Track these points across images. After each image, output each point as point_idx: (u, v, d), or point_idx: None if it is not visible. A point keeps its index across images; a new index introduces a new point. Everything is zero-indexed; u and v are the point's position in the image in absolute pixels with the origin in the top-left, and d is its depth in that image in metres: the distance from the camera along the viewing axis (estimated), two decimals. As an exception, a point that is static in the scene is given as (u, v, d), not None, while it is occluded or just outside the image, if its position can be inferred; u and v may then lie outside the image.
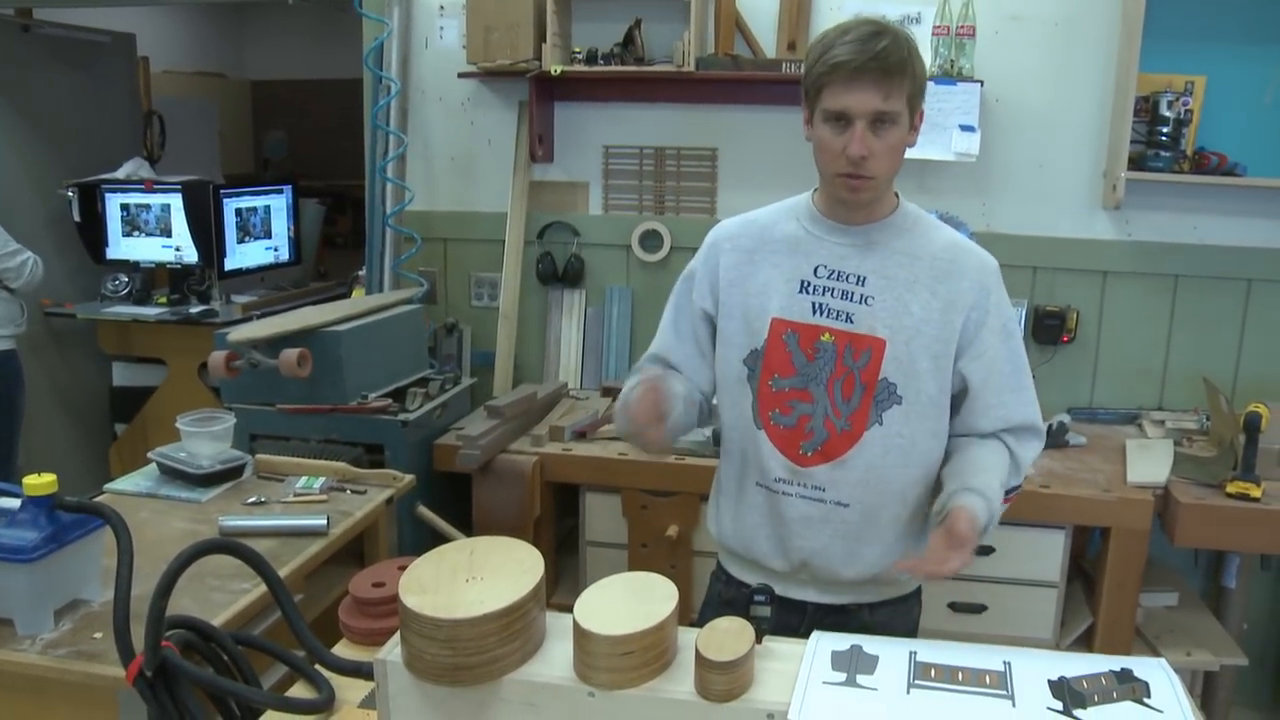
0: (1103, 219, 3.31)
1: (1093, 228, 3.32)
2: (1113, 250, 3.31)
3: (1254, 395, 3.04)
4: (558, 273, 3.63)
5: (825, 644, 1.41)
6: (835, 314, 1.79)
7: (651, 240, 3.55)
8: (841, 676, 1.33)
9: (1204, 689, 3.24)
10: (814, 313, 1.80)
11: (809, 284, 1.81)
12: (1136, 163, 3.14)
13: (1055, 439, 3.04)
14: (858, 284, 1.79)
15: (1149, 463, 2.89)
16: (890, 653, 1.39)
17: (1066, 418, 3.18)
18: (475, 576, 1.38)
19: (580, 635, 1.30)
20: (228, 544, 1.65)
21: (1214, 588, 3.36)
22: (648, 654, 1.30)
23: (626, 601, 1.36)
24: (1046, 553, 2.81)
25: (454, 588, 1.35)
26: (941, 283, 1.79)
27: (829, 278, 1.81)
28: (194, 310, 4.49)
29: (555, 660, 1.35)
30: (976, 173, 3.32)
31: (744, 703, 1.27)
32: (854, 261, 1.80)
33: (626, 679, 1.29)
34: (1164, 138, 3.14)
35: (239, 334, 2.88)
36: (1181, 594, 3.14)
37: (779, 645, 1.40)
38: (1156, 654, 2.83)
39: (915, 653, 1.39)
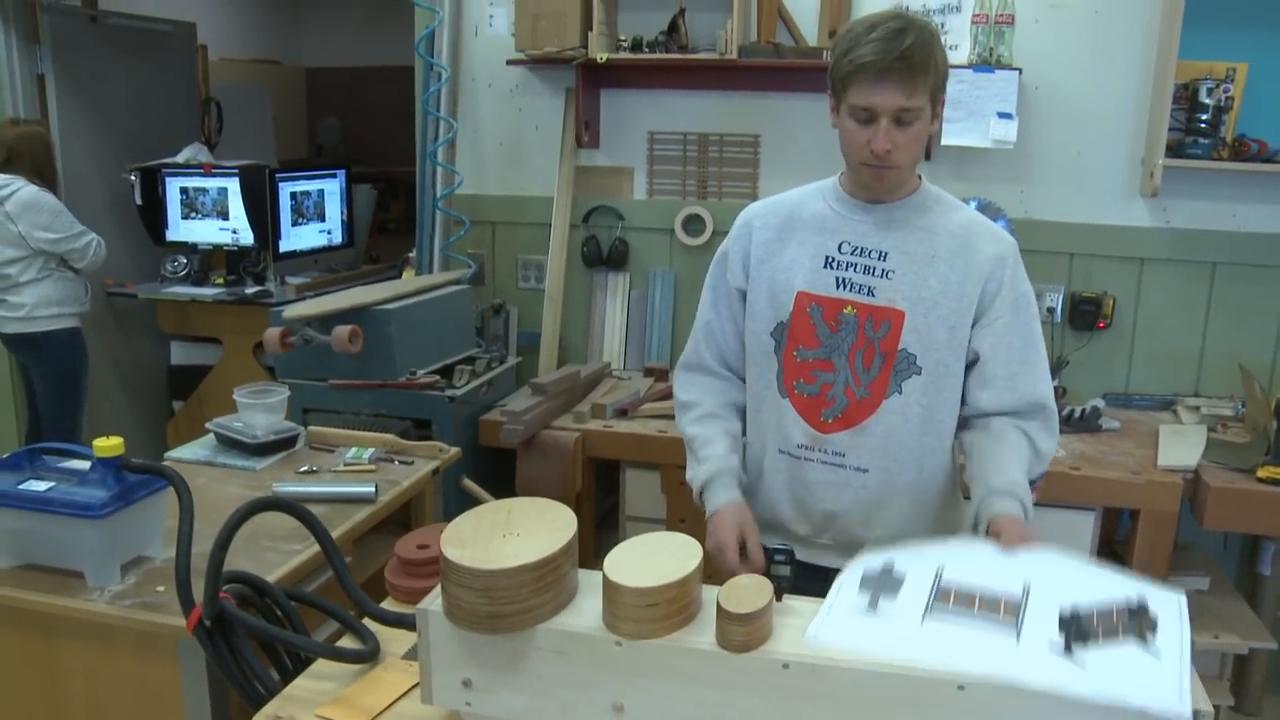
0: (1140, 206, 3.33)
1: (1130, 215, 3.34)
2: (1150, 237, 3.33)
3: (1291, 382, 3.07)
4: (602, 256, 3.71)
5: (860, 564, 1.52)
6: (858, 288, 1.87)
7: (694, 224, 3.62)
8: (865, 600, 1.42)
9: (1235, 674, 3.27)
10: (838, 287, 1.88)
11: (833, 259, 1.89)
12: (1175, 150, 3.16)
13: (1089, 423, 3.08)
14: (879, 259, 1.87)
15: (1180, 447, 2.92)
16: (918, 572, 1.49)
17: (1101, 402, 3.21)
18: (512, 533, 1.47)
19: (609, 588, 1.38)
20: (282, 502, 1.75)
21: (1249, 574, 3.38)
22: (671, 606, 1.38)
23: (653, 558, 1.44)
24: (1077, 534, 2.85)
25: (491, 542, 1.44)
26: (959, 257, 1.86)
27: (852, 253, 1.89)
28: (249, 291, 4.63)
29: (585, 612, 1.43)
30: (1015, 160, 3.36)
31: (761, 653, 1.34)
32: (876, 238, 1.88)
33: (651, 629, 1.37)
34: (1203, 125, 3.15)
35: (294, 311, 2.99)
36: (1214, 578, 3.17)
37: (797, 603, 1.47)
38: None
39: (942, 572, 1.48)
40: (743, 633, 1.34)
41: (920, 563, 1.51)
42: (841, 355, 1.88)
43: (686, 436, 2.07)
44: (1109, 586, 1.46)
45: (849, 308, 1.87)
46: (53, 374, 4.31)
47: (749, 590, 1.38)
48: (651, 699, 1.39)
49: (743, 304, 2.01)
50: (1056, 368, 3.31)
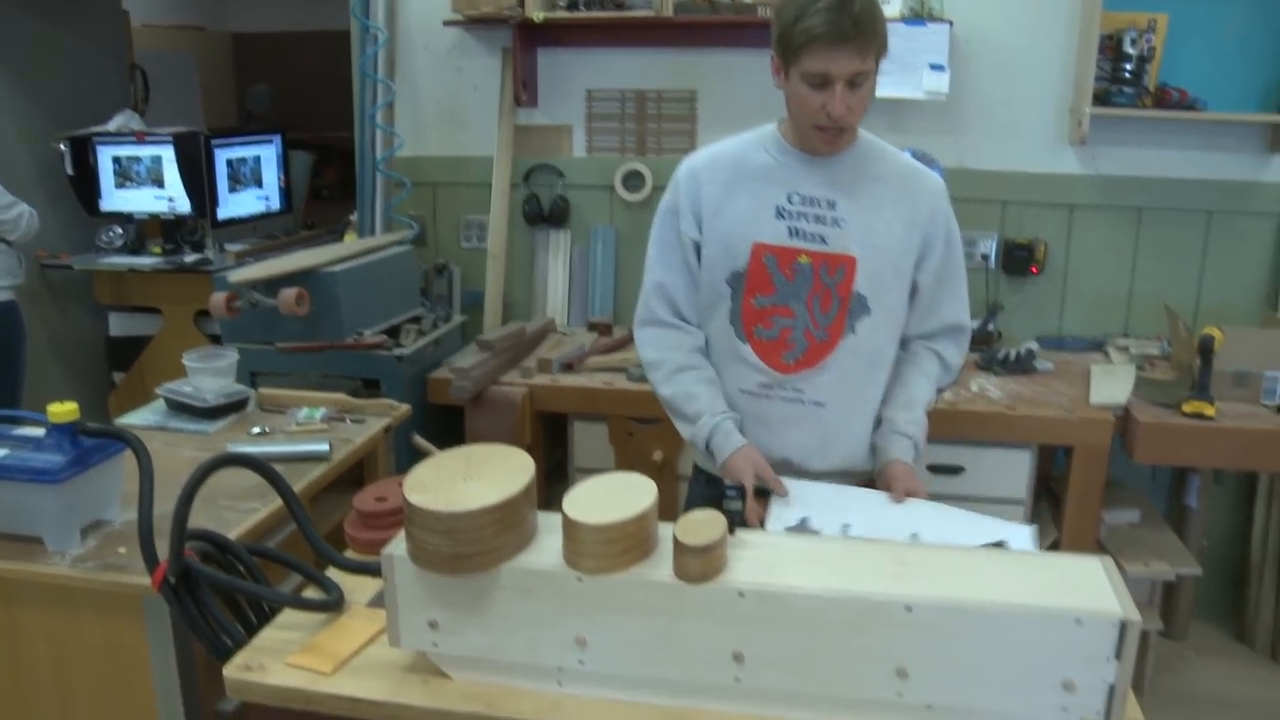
0: (1069, 154, 3.43)
1: (1060, 163, 3.44)
2: (1079, 184, 3.43)
3: (1214, 322, 3.18)
4: (544, 213, 3.74)
5: (779, 517, 1.83)
6: (810, 236, 1.99)
7: (634, 180, 3.66)
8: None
9: (1165, 601, 3.42)
10: (790, 236, 1.99)
11: (784, 210, 2.00)
12: (1101, 99, 3.25)
13: (1024, 365, 3.18)
14: (829, 208, 1.99)
15: (1111, 385, 3.03)
16: (828, 524, 1.79)
17: (1035, 345, 3.32)
18: (472, 477, 1.51)
19: (569, 525, 1.43)
20: (246, 457, 1.78)
21: (1176, 507, 3.52)
22: (629, 541, 1.43)
23: (610, 496, 1.49)
24: (1013, 471, 2.96)
25: (453, 487, 1.48)
26: (902, 203, 2.01)
27: (802, 203, 1.99)
28: (189, 259, 4.58)
29: (547, 551, 1.48)
30: (947, 111, 3.43)
31: (717, 583, 1.40)
32: (824, 189, 1.99)
33: (611, 564, 1.43)
34: (1128, 74, 3.25)
35: (240, 275, 2.99)
36: (1144, 512, 3.30)
37: (750, 536, 1.54)
38: (1120, 566, 3.01)
39: (849, 526, 1.77)
40: (698, 564, 1.40)
41: (831, 514, 1.79)
42: (800, 301, 1.99)
43: (663, 397, 2.13)
44: (977, 529, 1.74)
45: (803, 256, 1.98)
46: (-10, 348, 4.25)
47: (703, 524, 1.44)
48: (613, 631, 1.45)
49: (696, 255, 2.08)
50: (992, 312, 3.41)
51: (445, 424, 3.16)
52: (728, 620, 1.40)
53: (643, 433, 3.06)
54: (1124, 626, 1.31)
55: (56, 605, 1.94)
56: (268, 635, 1.71)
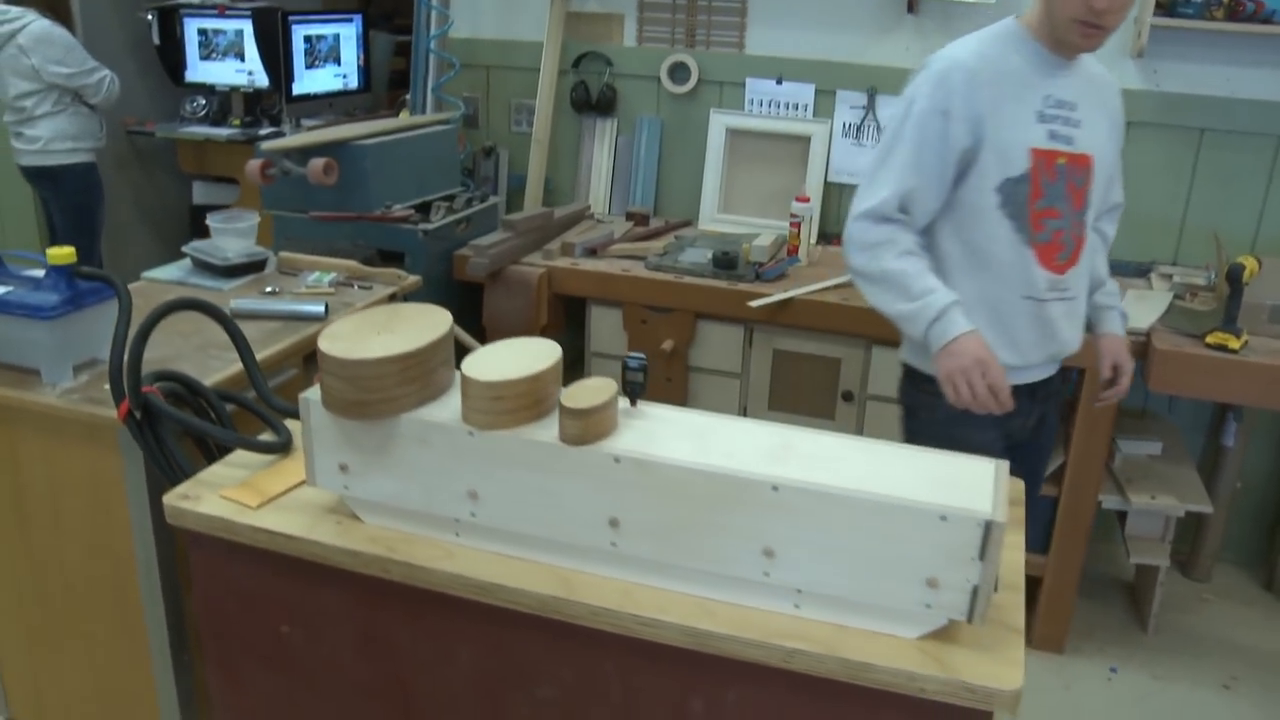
0: (1129, 67, 3.27)
1: (1118, 76, 3.26)
2: (1137, 100, 3.28)
3: (1274, 254, 3.04)
4: (591, 101, 3.74)
5: None
6: (1063, 139, 2.09)
7: (680, 72, 3.62)
8: None
9: (1192, 540, 3.35)
10: (1050, 139, 2.07)
11: (1043, 114, 2.07)
12: (1166, 8, 3.09)
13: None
14: (1072, 110, 2.10)
15: (1140, 310, 2.94)
16: None
17: (1071, 265, 3.22)
18: (386, 330, 1.56)
19: (464, 382, 1.48)
20: (196, 301, 1.87)
21: (1213, 446, 3.41)
22: (519, 401, 1.48)
23: (512, 359, 1.53)
24: (1023, 390, 2.90)
25: (364, 338, 1.54)
26: (1106, 102, 2.20)
27: (1055, 106, 2.08)
28: (263, 132, 4.71)
29: (450, 407, 1.54)
30: (1000, 15, 3.28)
31: (596, 447, 1.44)
32: (1069, 91, 2.10)
33: (499, 421, 1.48)
34: (1197, -17, 3.08)
35: (273, 144, 3.08)
36: (1169, 446, 3.21)
37: (650, 408, 1.57)
38: (1124, 496, 2.95)
39: None
40: (578, 426, 1.43)
41: None
42: (1065, 201, 2.10)
43: (886, 270, 2.09)
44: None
45: (1061, 158, 2.08)
46: (70, 207, 4.47)
47: (591, 389, 1.47)
48: (501, 486, 1.50)
49: (957, 163, 2.07)
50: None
51: (468, 301, 3.23)
52: (604, 485, 1.44)
53: (656, 320, 3.09)
54: (988, 527, 1.31)
55: (48, 432, 2.09)
56: (215, 470, 1.81)
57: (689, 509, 1.41)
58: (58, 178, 4.41)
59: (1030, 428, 2.31)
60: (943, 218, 2.13)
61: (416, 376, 1.52)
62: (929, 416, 2.24)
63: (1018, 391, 2.09)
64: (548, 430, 1.48)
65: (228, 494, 1.71)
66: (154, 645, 2.14)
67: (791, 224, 3.21)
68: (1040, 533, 2.97)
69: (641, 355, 1.55)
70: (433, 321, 1.60)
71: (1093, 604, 3.32)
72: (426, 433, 1.52)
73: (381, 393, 1.50)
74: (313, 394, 1.57)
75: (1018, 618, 1.43)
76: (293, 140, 3.14)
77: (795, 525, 1.37)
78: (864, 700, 1.36)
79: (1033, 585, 3.02)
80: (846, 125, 3.47)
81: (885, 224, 2.09)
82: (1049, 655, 3.07)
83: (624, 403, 1.54)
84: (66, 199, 4.46)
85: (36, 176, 4.44)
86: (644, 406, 1.57)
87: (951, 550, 1.33)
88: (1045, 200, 2.07)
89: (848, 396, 3.04)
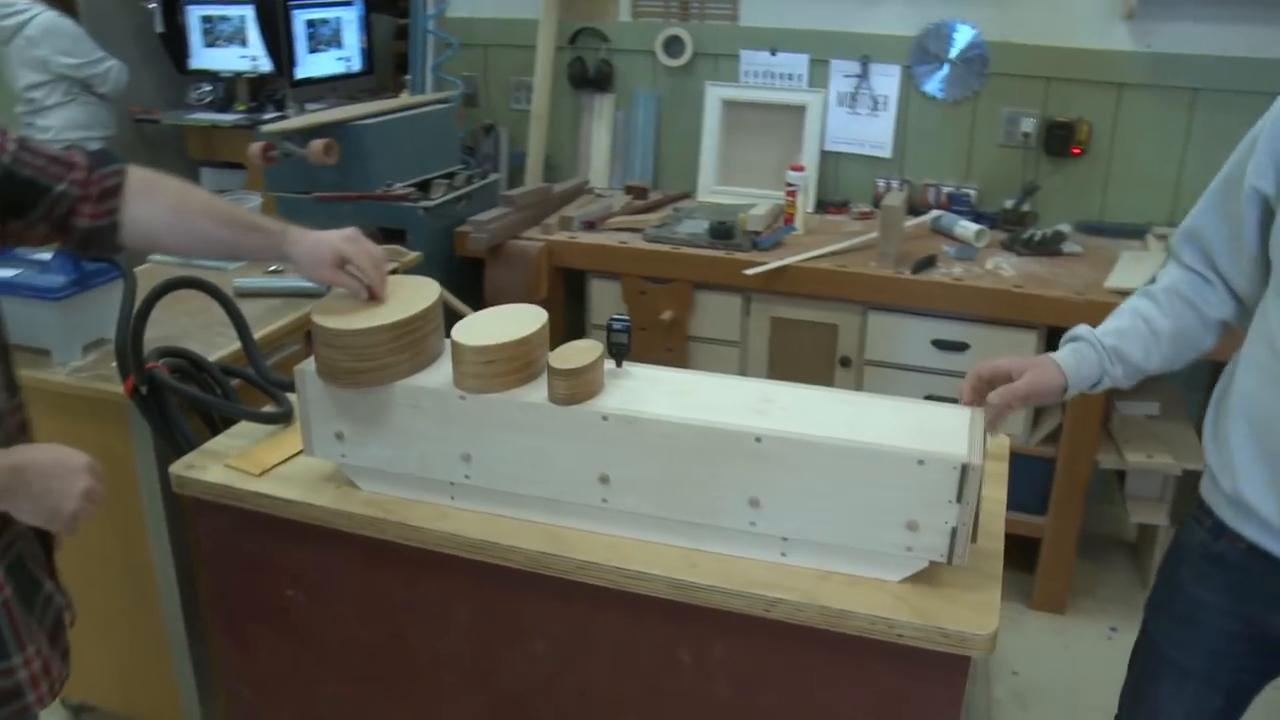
0: (1121, 29, 3.28)
1: (1109, 38, 3.29)
2: (1129, 61, 3.29)
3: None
4: (588, 77, 3.76)
5: None
6: None
7: (675, 46, 3.64)
8: None
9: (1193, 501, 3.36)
10: None
11: None
12: (1156, -31, 3.10)
13: (1049, 246, 3.11)
14: None
15: (1133, 271, 2.96)
16: None
17: (1066, 226, 3.24)
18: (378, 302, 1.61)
19: (454, 347, 1.53)
20: (195, 280, 1.92)
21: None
22: (509, 364, 1.52)
23: (502, 324, 1.58)
24: (1019, 351, 2.91)
25: (356, 309, 1.58)
26: None
27: None
28: (267, 117, 4.76)
29: (442, 373, 1.59)
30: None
31: (584, 406, 1.49)
32: None
33: (489, 384, 1.52)
34: (1188, -58, 3.07)
35: (274, 126, 3.12)
36: (1167, 405, 3.22)
37: (636, 369, 1.61)
38: (1121, 455, 2.98)
39: None
40: (566, 386, 1.48)
41: None
42: None
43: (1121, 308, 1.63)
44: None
45: None
46: (80, 194, 4.52)
47: (578, 351, 1.52)
48: (494, 448, 1.55)
49: (1256, 209, 1.43)
50: (1026, 192, 3.33)
51: (470, 276, 3.28)
52: (593, 442, 1.49)
53: (654, 291, 3.12)
54: (965, 469, 1.35)
55: (59, 409, 2.14)
56: (219, 441, 1.88)
57: (676, 463, 1.46)
58: (67, 167, 4.46)
59: None
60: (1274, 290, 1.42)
61: (408, 345, 1.57)
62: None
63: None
64: (537, 392, 1.52)
65: (232, 463, 1.77)
66: (167, 615, 2.20)
67: (787, 193, 3.23)
68: (1038, 494, 3.00)
69: (626, 318, 1.59)
70: (422, 292, 1.65)
71: (1095, 565, 3.35)
72: (419, 398, 1.56)
73: (374, 361, 1.54)
74: (307, 365, 1.62)
75: (995, 565, 1.47)
76: (293, 122, 3.18)
77: (778, 475, 1.42)
78: (845, 647, 1.40)
79: (1032, 547, 3.05)
80: (841, 94, 3.49)
81: (1169, 262, 1.61)
82: (1050, 616, 3.10)
83: (610, 364, 1.59)
84: (76, 188, 4.51)
85: (46, 166, 4.50)
86: (629, 367, 1.61)
87: (929, 493, 1.37)
88: None
89: (845, 362, 3.07)
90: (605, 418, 1.47)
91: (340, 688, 1.80)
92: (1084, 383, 1.55)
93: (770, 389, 1.56)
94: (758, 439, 1.42)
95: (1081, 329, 1.59)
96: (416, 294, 1.64)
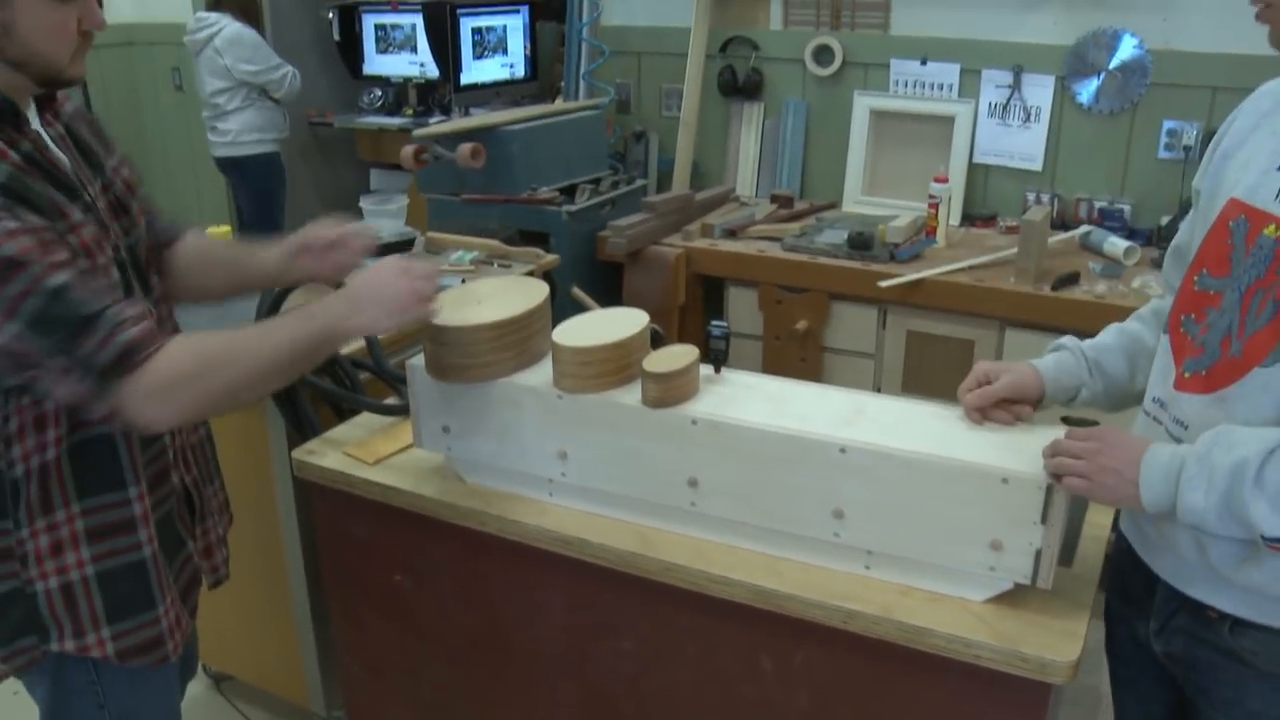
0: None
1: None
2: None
3: None
4: (738, 85, 3.77)
5: None
6: None
7: (824, 55, 3.61)
8: None
9: None
10: (1278, 198, 1.27)
11: None
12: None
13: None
14: None
15: None
16: None
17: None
18: (486, 301, 1.66)
19: (554, 348, 1.57)
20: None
21: None
22: (605, 366, 1.55)
23: (603, 327, 1.61)
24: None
25: (464, 308, 1.64)
26: None
27: None
28: (432, 121, 4.94)
29: (544, 372, 1.63)
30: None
31: (675, 410, 1.50)
32: None
33: (586, 384, 1.56)
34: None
35: (424, 130, 3.25)
36: None
37: (735, 375, 1.62)
38: None
39: None
40: (658, 390, 1.50)
41: None
42: (1237, 291, 1.28)
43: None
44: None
45: (1271, 226, 1.25)
46: (254, 193, 4.83)
47: (674, 355, 1.54)
48: (589, 448, 1.58)
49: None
50: (1184, 209, 3.16)
51: (610, 280, 3.33)
52: (683, 446, 1.50)
53: (790, 300, 3.11)
54: (1050, 491, 1.31)
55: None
56: (341, 430, 1.97)
57: (762, 470, 1.46)
58: (244, 166, 4.76)
59: None
60: None
61: (511, 344, 1.61)
62: None
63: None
64: (632, 394, 1.55)
65: (349, 451, 1.85)
66: (294, 595, 2.31)
67: (929, 205, 3.17)
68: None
69: (725, 324, 1.60)
70: (531, 293, 1.69)
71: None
72: (519, 396, 1.61)
73: (477, 358, 1.60)
74: (417, 361, 1.69)
75: (1087, 594, 1.42)
76: (443, 127, 3.31)
77: (862, 486, 1.41)
78: (924, 665, 1.38)
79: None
80: (992, 105, 3.40)
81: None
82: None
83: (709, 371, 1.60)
84: (251, 185, 4.81)
85: (226, 166, 4.81)
86: (728, 374, 1.62)
87: (1013, 513, 1.34)
88: (1219, 280, 1.33)
89: (984, 379, 2.99)
90: (694, 421, 1.49)
91: (442, 671, 1.86)
92: (1062, 392, 1.55)
93: (863, 400, 1.54)
94: (842, 450, 1.41)
95: (1067, 339, 1.60)
96: (525, 295, 1.68)
